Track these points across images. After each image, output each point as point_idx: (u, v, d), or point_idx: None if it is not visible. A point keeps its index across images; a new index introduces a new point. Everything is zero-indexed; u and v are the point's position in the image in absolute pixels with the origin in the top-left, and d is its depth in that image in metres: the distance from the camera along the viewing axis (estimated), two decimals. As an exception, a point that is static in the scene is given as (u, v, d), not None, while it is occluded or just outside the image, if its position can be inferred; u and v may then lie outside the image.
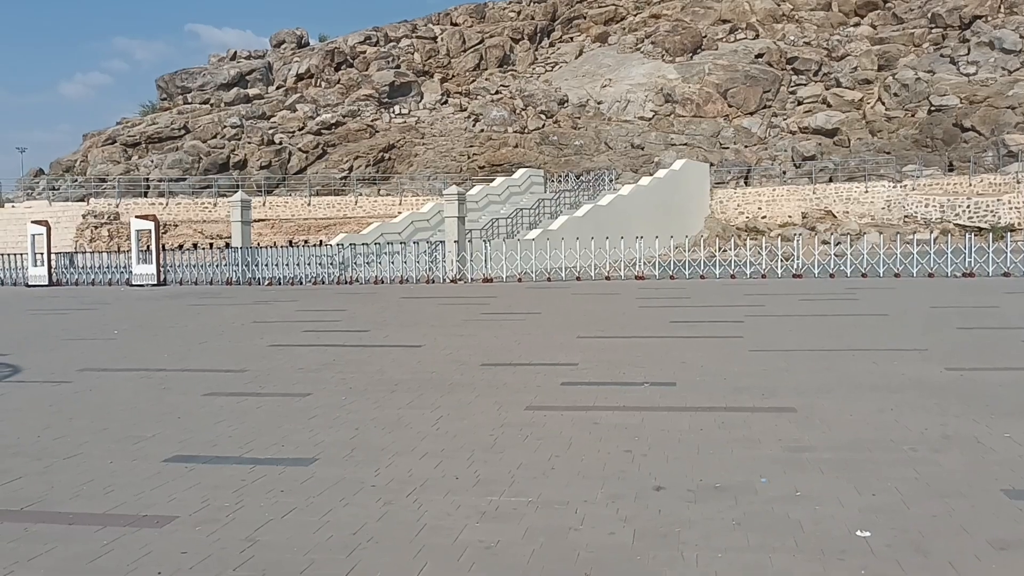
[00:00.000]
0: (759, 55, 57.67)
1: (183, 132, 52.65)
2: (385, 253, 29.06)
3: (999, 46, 49.28)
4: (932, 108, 46.88)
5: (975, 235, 27.78)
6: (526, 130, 54.01)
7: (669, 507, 4.82)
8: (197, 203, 45.49)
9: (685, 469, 5.53)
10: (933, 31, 55.83)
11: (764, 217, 42.65)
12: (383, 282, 27.60)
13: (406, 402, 7.97)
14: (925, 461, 5.63)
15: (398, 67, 61.24)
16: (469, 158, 51.52)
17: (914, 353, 10.10)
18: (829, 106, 51.98)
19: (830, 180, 43.72)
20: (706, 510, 4.76)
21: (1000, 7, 53.68)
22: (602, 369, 9.50)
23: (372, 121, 55.31)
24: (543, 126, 54.53)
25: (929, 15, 57.66)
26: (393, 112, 57.42)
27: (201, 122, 53.42)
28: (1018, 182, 37.81)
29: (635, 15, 69.38)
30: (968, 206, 38.49)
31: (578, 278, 26.33)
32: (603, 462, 5.75)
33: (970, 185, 39.32)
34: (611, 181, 42.13)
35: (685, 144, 50.59)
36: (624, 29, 67.20)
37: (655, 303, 18.01)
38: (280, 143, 51.99)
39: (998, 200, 37.93)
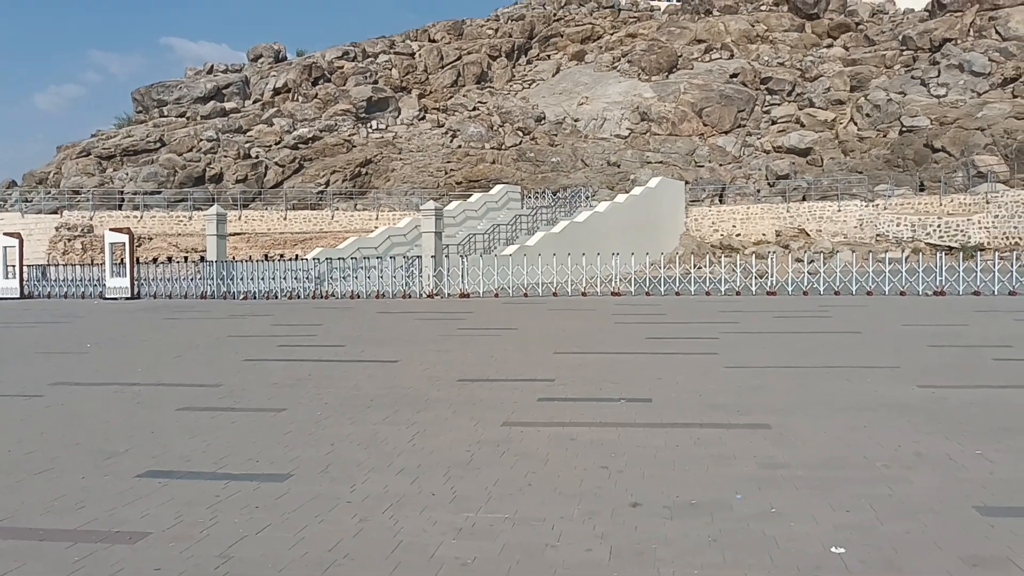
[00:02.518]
0: (734, 75, 58.33)
1: (159, 145, 52.34)
2: (361, 268, 28.99)
3: (968, 69, 50.19)
4: (903, 129, 47.60)
5: (946, 254, 28.16)
6: (503, 146, 54.20)
7: (645, 524, 4.83)
8: (172, 216, 45.15)
9: (661, 486, 5.55)
10: (904, 53, 56.76)
11: (739, 235, 43.02)
12: (359, 297, 27.51)
13: (382, 418, 7.94)
14: (898, 478, 5.68)
15: (375, 82, 61.32)
16: (446, 174, 51.60)
17: (886, 371, 10.21)
18: (802, 126, 52.63)
19: (803, 199, 44.22)
20: (682, 527, 4.77)
21: (969, 31, 54.69)
22: (579, 385, 9.52)
23: (349, 136, 55.28)
24: (520, 143, 54.75)
25: (900, 37, 58.64)
26: (370, 127, 57.42)
27: (177, 135, 53.15)
28: (987, 202, 38.43)
29: (612, 34, 70.01)
30: (939, 226, 39.05)
31: (555, 294, 26.39)
32: (580, 478, 5.76)
33: (940, 205, 39.92)
34: (588, 198, 42.34)
35: (661, 162, 50.98)
36: (601, 48, 67.77)
37: (631, 319, 18.08)
38: (256, 157, 51.81)
39: (968, 220, 38.51)
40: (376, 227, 39.83)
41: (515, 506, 5.19)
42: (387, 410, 8.30)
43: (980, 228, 38.14)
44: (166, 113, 57.78)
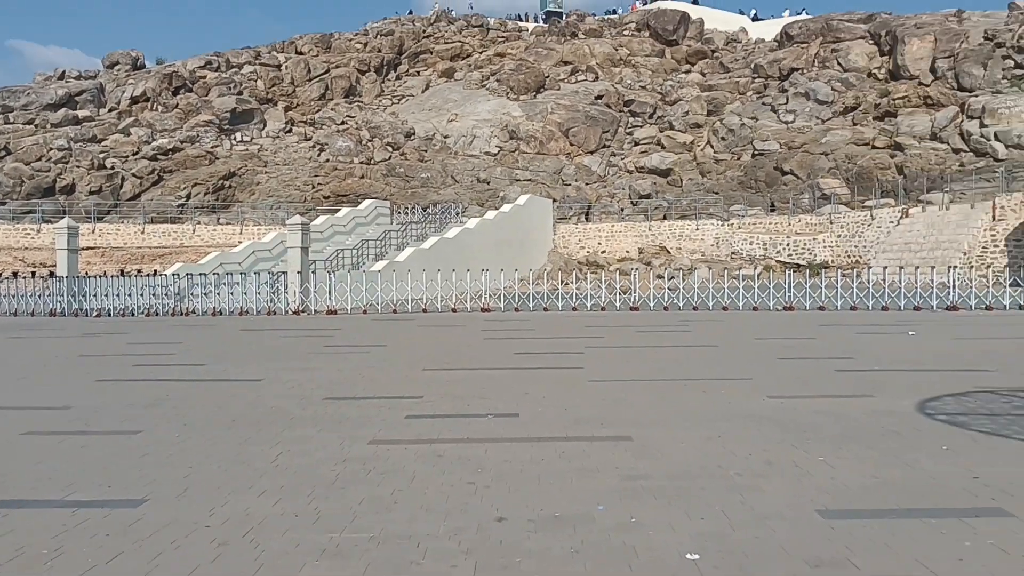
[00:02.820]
0: (598, 96, 60.00)
1: (3, 153, 49.21)
2: (224, 284, 28.07)
3: (814, 97, 53.39)
4: (755, 152, 50.14)
5: (794, 271, 29.76)
6: (372, 161, 53.80)
7: (510, 538, 4.90)
8: (18, 229, 42.47)
9: (526, 500, 5.64)
10: (756, 81, 59.87)
11: (604, 252, 44.16)
12: (222, 313, 26.63)
13: (244, 438, 7.73)
14: (749, 486, 5.96)
15: (240, 94, 59.74)
16: (314, 188, 50.74)
17: (740, 383, 10.70)
18: (663, 147, 54.65)
19: (664, 217, 45.87)
20: (546, 540, 4.86)
21: (814, 61, 58.21)
22: (447, 402, 9.54)
23: (212, 148, 53.58)
24: (390, 158, 54.48)
25: (752, 66, 61.85)
26: (234, 139, 55.85)
27: (24, 143, 50.11)
28: (831, 223, 40.90)
29: (481, 53, 70.81)
30: (788, 244, 41.26)
31: (424, 310, 26.33)
32: (446, 495, 5.78)
33: (789, 225, 42.21)
34: (457, 214, 42.53)
35: (529, 180, 51.80)
36: (470, 66, 68.41)
37: (500, 335, 18.24)
38: (112, 168, 49.47)
39: (814, 239, 40.87)
40: (240, 242, 38.71)
41: (380, 524, 5.16)
42: (250, 430, 8.08)
43: (825, 247, 40.55)
44: (12, 120, 54.41)
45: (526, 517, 5.26)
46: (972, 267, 30.87)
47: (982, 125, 43.37)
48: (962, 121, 44.72)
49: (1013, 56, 48.09)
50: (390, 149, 55.34)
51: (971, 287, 25.31)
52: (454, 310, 26.43)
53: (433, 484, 6.07)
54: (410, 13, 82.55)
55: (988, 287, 25.43)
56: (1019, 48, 48.12)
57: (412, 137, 56.77)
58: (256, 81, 62.14)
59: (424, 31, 74.29)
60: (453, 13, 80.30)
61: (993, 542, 4.77)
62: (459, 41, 72.27)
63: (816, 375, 11.51)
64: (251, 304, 27.03)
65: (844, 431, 7.75)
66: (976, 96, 45.80)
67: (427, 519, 5.25)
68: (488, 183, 51.80)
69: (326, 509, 5.50)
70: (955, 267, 28.07)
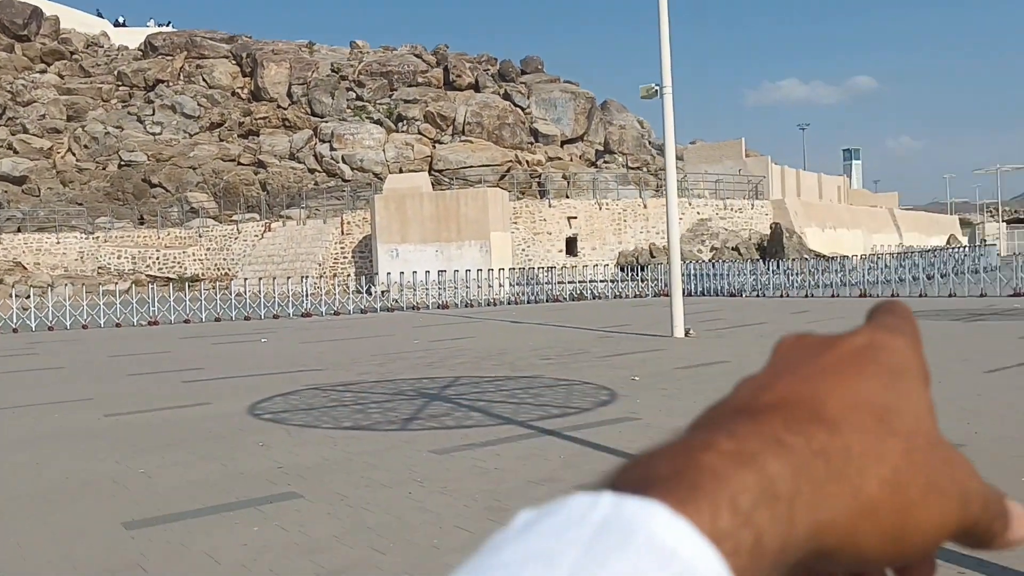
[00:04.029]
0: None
1: None
2: None
3: (180, 111, 53.46)
4: (122, 163, 48.37)
5: (164, 285, 29.50)
6: None
7: None
8: None
9: None
10: (120, 89, 57.70)
11: (-60, 270, 38.21)
12: None
13: None
14: (60, 508, 5.84)
15: None
16: None
17: (79, 403, 10.34)
18: (16, 152, 49.48)
19: (19, 230, 41.58)
20: None
21: (180, 75, 58.26)
22: None
23: None
24: None
25: (116, 73, 59.43)
26: None
27: None
28: (200, 236, 41.43)
29: None
30: (158, 258, 40.65)
31: None
32: None
33: (159, 238, 41.62)
34: None
35: None
36: None
37: None
38: None
39: (184, 252, 40.95)
40: None
41: None
42: None
43: (195, 260, 40.90)
44: None
45: None
46: (324, 276, 34.11)
47: (332, 148, 48.19)
48: (316, 144, 49.08)
49: (355, 89, 54.34)
50: None
51: (322, 295, 27.98)
52: None
53: None
54: None
55: (336, 295, 28.40)
56: (359, 82, 54.58)
57: None
58: None
59: None
60: None
61: (278, 523, 5.44)
62: None
63: (162, 388, 11.64)
64: None
65: (173, 440, 8.03)
66: (327, 122, 50.64)
67: None
68: None
69: None
70: (309, 277, 30.75)
